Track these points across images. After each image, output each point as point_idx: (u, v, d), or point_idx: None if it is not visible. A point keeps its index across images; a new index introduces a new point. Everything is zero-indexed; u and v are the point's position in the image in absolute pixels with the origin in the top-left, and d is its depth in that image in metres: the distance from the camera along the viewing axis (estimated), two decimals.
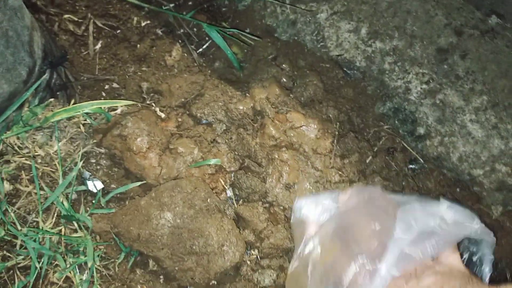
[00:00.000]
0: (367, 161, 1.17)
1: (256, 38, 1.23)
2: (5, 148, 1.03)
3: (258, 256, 1.10)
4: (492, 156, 1.16)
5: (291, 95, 1.18)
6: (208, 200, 1.04)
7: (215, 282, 1.06)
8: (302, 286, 0.72)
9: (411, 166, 1.20)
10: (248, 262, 1.09)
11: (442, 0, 1.25)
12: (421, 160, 1.20)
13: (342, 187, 1.13)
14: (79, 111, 1.05)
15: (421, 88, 1.20)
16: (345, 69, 1.23)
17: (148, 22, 1.24)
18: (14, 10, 0.93)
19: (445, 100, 1.19)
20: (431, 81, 1.20)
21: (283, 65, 1.21)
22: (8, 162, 1.02)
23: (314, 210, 0.78)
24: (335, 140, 1.16)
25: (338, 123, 1.18)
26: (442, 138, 1.19)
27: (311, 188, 1.10)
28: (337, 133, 1.17)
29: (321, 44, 1.24)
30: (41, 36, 1.05)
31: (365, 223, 0.69)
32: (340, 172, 1.15)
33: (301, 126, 1.13)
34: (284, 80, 1.20)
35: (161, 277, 1.06)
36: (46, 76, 1.06)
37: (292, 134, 1.12)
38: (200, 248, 1.00)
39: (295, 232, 0.81)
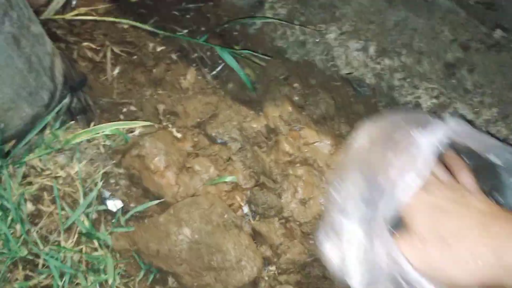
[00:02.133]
0: None
1: (267, 57, 1.27)
2: (28, 170, 1.06)
3: (276, 272, 1.10)
4: None
5: (303, 113, 1.21)
6: (225, 216, 1.06)
7: None
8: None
9: None
10: (266, 278, 1.10)
11: (447, 17, 1.29)
12: None
13: None
14: (99, 133, 1.09)
15: (431, 102, 1.22)
16: (355, 86, 1.26)
17: (163, 47, 1.28)
18: (37, 37, 0.98)
19: (455, 114, 1.21)
20: (440, 95, 1.22)
21: (295, 84, 1.25)
22: (30, 183, 1.06)
23: None
24: None
25: (350, 138, 1.19)
26: None
27: (326, 202, 1.12)
28: None
29: (331, 63, 1.27)
30: (62, 62, 1.10)
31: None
32: None
33: (314, 142, 1.16)
34: (296, 98, 1.23)
35: None
36: (66, 100, 1.11)
37: (306, 150, 1.15)
38: (218, 263, 1.01)
39: None
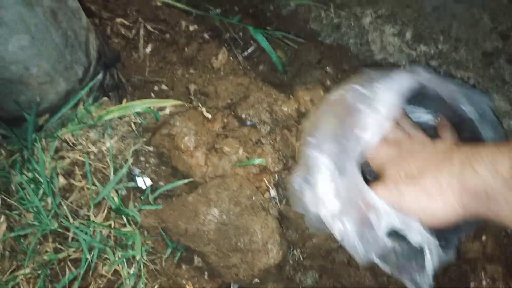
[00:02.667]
0: None
1: (300, 40, 1.25)
2: (60, 145, 1.07)
3: (301, 256, 1.10)
4: None
5: None
6: (253, 198, 1.06)
7: (258, 280, 1.07)
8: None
9: None
10: (291, 262, 1.10)
11: (488, 4, 1.24)
12: None
13: None
14: (131, 110, 1.09)
15: None
16: None
17: (196, 26, 1.27)
18: (73, 11, 0.98)
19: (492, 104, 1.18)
20: (476, 85, 1.19)
21: (327, 68, 1.23)
22: (63, 157, 1.07)
23: None
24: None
25: None
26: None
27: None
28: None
29: (365, 47, 1.25)
30: (96, 38, 1.10)
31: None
32: None
33: None
34: (328, 83, 1.21)
35: (206, 273, 1.08)
36: (100, 76, 1.11)
37: None
38: (245, 245, 1.02)
39: None
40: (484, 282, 1.13)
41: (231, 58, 1.25)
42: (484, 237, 1.13)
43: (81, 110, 1.08)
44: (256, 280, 1.06)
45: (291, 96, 1.20)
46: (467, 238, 1.12)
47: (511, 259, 1.15)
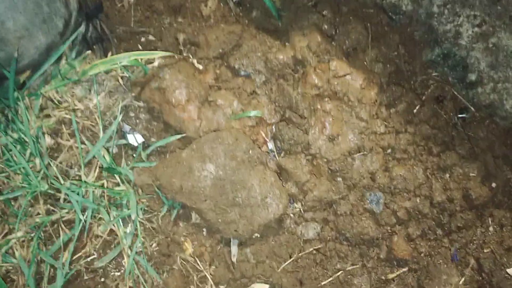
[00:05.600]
0: (415, 110, 1.12)
1: None
2: (45, 103, 1.02)
3: (302, 209, 1.07)
4: None
5: (333, 43, 1.13)
6: (250, 151, 1.01)
7: (258, 235, 1.04)
8: None
9: (461, 115, 1.14)
10: (292, 215, 1.07)
11: None
12: (472, 108, 1.13)
13: (388, 138, 1.09)
14: (117, 63, 1.03)
15: (472, 31, 1.12)
16: (390, 14, 1.16)
17: None
18: None
19: (498, 43, 1.11)
20: (483, 23, 1.12)
21: (324, 12, 1.15)
22: (48, 116, 1.02)
23: None
24: (381, 89, 1.10)
25: (384, 71, 1.12)
26: (495, 85, 1.11)
27: (355, 139, 1.06)
28: (383, 82, 1.11)
29: None
30: None
31: None
32: (386, 123, 1.10)
33: (345, 75, 1.08)
34: (326, 27, 1.14)
35: (204, 229, 1.05)
36: (82, 28, 1.04)
37: (335, 83, 1.07)
38: (243, 200, 0.98)
39: None
40: (491, 228, 1.10)
41: (221, 4, 1.18)
42: (494, 184, 1.10)
43: (64, 65, 1.02)
44: (256, 234, 1.04)
45: (286, 43, 1.13)
46: (477, 182, 1.09)
47: None
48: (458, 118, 1.13)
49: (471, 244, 1.09)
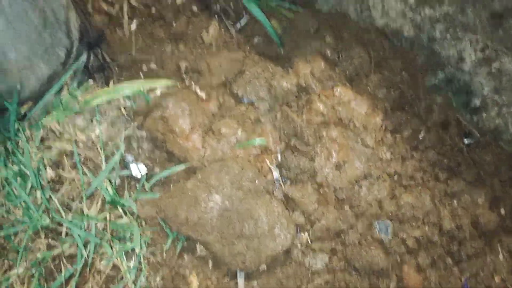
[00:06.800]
0: (420, 136, 1.11)
1: (296, 8, 1.17)
2: (46, 134, 1.00)
3: (309, 239, 1.05)
4: None
5: (336, 69, 1.12)
6: (256, 181, 0.99)
7: (265, 267, 1.02)
8: None
9: (466, 140, 1.13)
10: (299, 245, 1.05)
11: None
12: (477, 133, 1.13)
13: (394, 165, 1.08)
14: (119, 93, 1.02)
15: (475, 56, 1.12)
16: (392, 39, 1.16)
17: None
18: None
19: (501, 68, 1.11)
20: (486, 48, 1.12)
21: (326, 38, 1.15)
22: (49, 147, 1.00)
23: None
24: (386, 115, 1.10)
25: (388, 97, 1.11)
26: (500, 109, 1.11)
27: (362, 166, 1.05)
28: (387, 107, 1.11)
29: (366, 13, 1.17)
30: (77, 16, 1.02)
31: None
32: (391, 149, 1.09)
33: (349, 101, 1.07)
34: (328, 53, 1.13)
35: (210, 262, 1.02)
36: (83, 57, 1.03)
37: (340, 109, 1.06)
38: (250, 231, 0.96)
39: None
40: (500, 256, 1.09)
41: (222, 31, 1.17)
42: (502, 210, 1.09)
43: (66, 96, 1.00)
44: (263, 266, 1.01)
45: (289, 70, 1.12)
46: (485, 208, 1.07)
47: None
48: (463, 143, 1.13)
49: (481, 273, 1.07)
